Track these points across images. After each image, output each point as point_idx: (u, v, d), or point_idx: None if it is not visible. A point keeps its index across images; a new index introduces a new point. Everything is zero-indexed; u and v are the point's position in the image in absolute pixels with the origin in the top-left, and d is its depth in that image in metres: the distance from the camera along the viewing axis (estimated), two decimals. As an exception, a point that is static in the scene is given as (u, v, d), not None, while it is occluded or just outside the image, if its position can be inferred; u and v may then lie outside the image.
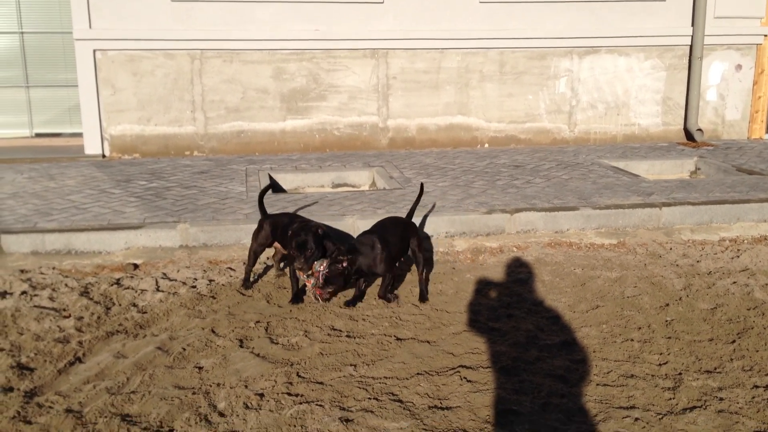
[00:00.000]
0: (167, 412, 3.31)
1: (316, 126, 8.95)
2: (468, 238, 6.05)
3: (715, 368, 3.89)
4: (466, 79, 9.19)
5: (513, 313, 4.55)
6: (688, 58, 9.67)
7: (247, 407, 3.36)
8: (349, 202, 6.46)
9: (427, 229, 6.02)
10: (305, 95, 8.83)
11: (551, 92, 9.48)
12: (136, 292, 4.78)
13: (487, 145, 9.43)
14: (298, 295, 4.67)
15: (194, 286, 4.91)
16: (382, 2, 8.76)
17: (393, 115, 9.11)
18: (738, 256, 5.74)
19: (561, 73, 9.44)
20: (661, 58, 9.65)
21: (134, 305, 4.58)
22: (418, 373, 3.73)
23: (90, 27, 8.17)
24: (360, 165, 8.08)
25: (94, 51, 8.24)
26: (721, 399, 3.55)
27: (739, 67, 9.94)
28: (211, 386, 3.56)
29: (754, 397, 3.58)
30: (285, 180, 7.67)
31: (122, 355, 3.90)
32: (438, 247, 5.87)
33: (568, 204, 6.42)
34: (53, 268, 5.20)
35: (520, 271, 5.35)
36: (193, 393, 3.49)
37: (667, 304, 4.75)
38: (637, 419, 3.34)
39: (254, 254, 4.91)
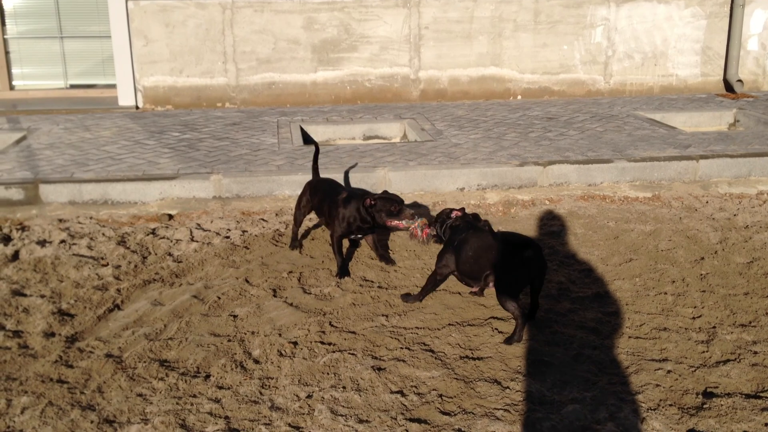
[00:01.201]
0: (204, 358, 3.40)
1: (347, 77, 8.87)
2: (500, 191, 6.01)
3: (750, 322, 3.86)
4: (500, 29, 9.01)
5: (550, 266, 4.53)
6: (729, 5, 9.33)
7: (281, 355, 3.43)
8: (380, 154, 6.44)
9: (459, 182, 5.99)
10: (336, 46, 8.74)
11: (587, 42, 9.26)
12: (171, 241, 4.86)
13: (520, 97, 9.28)
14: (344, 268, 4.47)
15: (228, 237, 4.97)
16: (415, -51, 8.58)
17: (425, 67, 8.99)
18: (777, 210, 5.63)
19: (597, 22, 9.20)
20: (701, 5, 9.33)
21: (170, 254, 4.65)
22: (449, 324, 3.76)
23: (121, -23, 8.15)
24: (391, 117, 8.03)
25: (126, 1, 8.22)
26: (756, 353, 3.53)
27: (783, 15, 9.58)
28: (245, 334, 3.63)
29: (789, 352, 3.55)
30: (316, 132, 7.66)
31: (159, 302, 3.98)
32: (470, 199, 5.84)
33: (602, 156, 6.33)
34: (90, 218, 5.29)
35: (552, 224, 5.32)
36: (229, 340, 3.56)
37: (702, 258, 4.69)
38: (669, 371, 3.34)
39: (299, 212, 4.74)
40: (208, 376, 3.25)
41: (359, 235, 4.46)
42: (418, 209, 5.23)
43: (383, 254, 4.57)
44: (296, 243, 4.80)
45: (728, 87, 9.54)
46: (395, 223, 4.23)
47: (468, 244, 3.74)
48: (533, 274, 3.65)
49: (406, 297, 4.04)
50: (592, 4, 9.11)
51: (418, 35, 8.86)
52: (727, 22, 9.40)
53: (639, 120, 7.84)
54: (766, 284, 4.33)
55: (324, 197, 4.53)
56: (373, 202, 4.22)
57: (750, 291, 4.24)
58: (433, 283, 3.97)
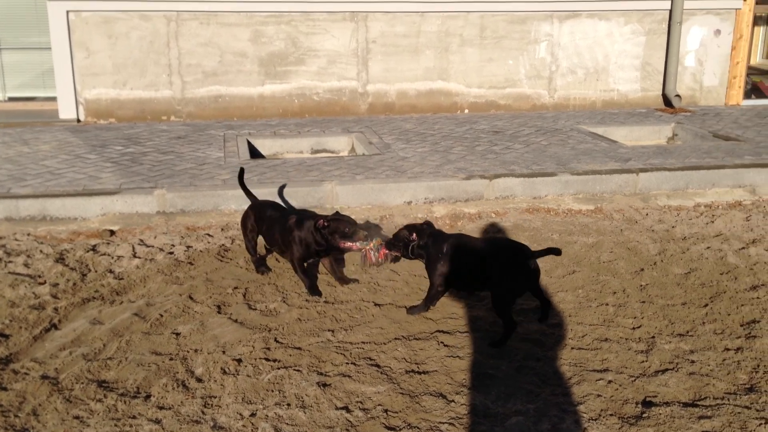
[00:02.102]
0: (144, 377, 3.32)
1: (294, 91, 8.85)
2: (447, 204, 6.06)
3: (688, 332, 3.96)
4: (446, 44, 9.12)
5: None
6: (667, 22, 9.65)
7: (224, 372, 3.37)
8: (327, 168, 6.43)
9: (406, 196, 6.01)
10: (284, 59, 8.71)
11: (531, 57, 9.44)
12: (113, 258, 4.75)
13: (467, 111, 9.40)
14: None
15: (171, 252, 4.88)
16: (362, -36, 8.63)
17: (372, 80, 9.03)
18: (712, 222, 5.81)
19: (541, 38, 9.39)
20: (641, 22, 9.62)
21: (110, 271, 4.55)
22: (395, 338, 3.76)
23: (62, -13, 7.99)
24: (339, 131, 8.03)
25: (68, 12, 8.05)
26: (693, 362, 3.62)
27: (717, 32, 9.94)
28: (188, 352, 3.56)
29: (725, 360, 3.65)
30: (264, 146, 7.60)
31: (98, 321, 3.88)
32: (417, 212, 5.87)
33: (546, 170, 6.44)
34: (28, 235, 5.14)
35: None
36: (171, 359, 3.49)
37: (642, 269, 4.80)
38: (610, 381, 3.40)
39: (250, 243, 4.61)
40: (148, 396, 3.18)
41: (316, 258, 4.38)
42: (370, 228, 5.17)
43: (342, 277, 4.48)
44: (262, 267, 4.62)
45: (667, 102, 9.84)
46: (348, 244, 4.19)
47: (463, 251, 3.82)
48: (532, 281, 3.77)
49: (412, 310, 4.04)
50: (536, 20, 9.30)
51: (366, 49, 8.90)
52: (665, 38, 9.71)
53: (582, 134, 8.02)
54: (703, 294, 4.45)
55: (272, 223, 4.42)
56: (326, 224, 4.16)
57: (687, 301, 4.36)
58: (435, 296, 3.99)
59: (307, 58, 8.77)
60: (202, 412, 3.06)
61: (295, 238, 4.24)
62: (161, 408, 3.09)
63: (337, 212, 4.39)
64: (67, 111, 8.30)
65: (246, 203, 4.84)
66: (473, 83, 9.33)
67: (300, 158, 7.08)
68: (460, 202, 6.10)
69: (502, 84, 9.44)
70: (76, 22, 8.12)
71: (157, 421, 2.99)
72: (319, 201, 5.85)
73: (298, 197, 5.81)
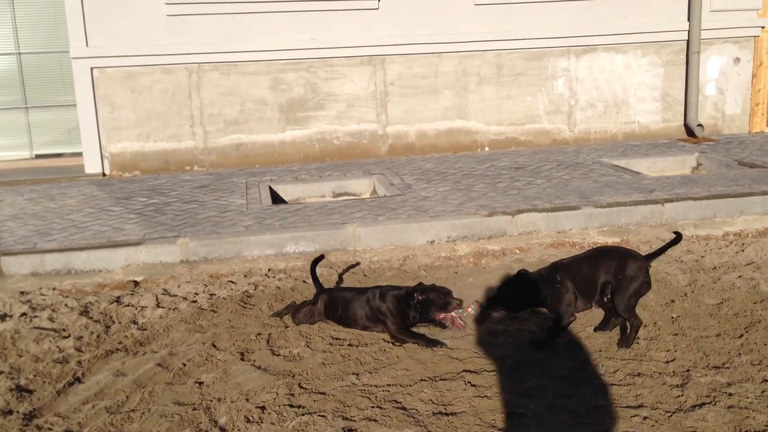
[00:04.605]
0: (167, 429, 3.27)
1: (315, 136, 8.93)
2: (470, 242, 6.01)
3: (723, 363, 3.83)
4: (464, 83, 9.17)
5: (516, 315, 4.50)
6: (685, 53, 9.62)
7: (248, 421, 3.32)
8: (349, 210, 6.43)
9: (429, 235, 5.98)
10: (303, 105, 8.81)
11: (549, 93, 9.44)
12: (136, 309, 4.75)
13: (487, 149, 9.39)
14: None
15: (195, 301, 4.87)
16: (377, 8, 8.75)
17: (392, 122, 9.08)
18: (743, 250, 5.68)
19: (559, 73, 9.41)
20: (658, 54, 9.60)
21: (134, 322, 4.54)
22: (421, 380, 3.69)
23: (87, 45, 8.19)
24: (360, 173, 8.06)
25: (92, 69, 8.26)
26: (731, 394, 3.49)
27: (737, 60, 9.88)
28: (211, 401, 3.52)
29: (764, 391, 3.52)
30: (285, 191, 7.65)
31: (122, 373, 3.86)
32: (440, 252, 5.82)
33: (569, 204, 6.37)
34: (53, 289, 5.17)
35: (523, 273, 5.29)
36: (194, 409, 3.45)
37: (673, 301, 4.69)
38: (645, 418, 3.28)
39: (302, 321, 4.45)
40: (171, 448, 3.13)
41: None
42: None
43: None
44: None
45: (689, 132, 9.75)
46: (444, 315, 4.19)
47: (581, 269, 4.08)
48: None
49: (535, 343, 4.08)
50: (552, 56, 9.33)
51: (384, 91, 8.98)
52: (684, 69, 9.67)
53: (604, 167, 7.95)
54: (737, 325, 4.32)
55: (349, 303, 4.32)
56: (421, 298, 4.16)
57: (721, 332, 4.23)
58: (563, 329, 4.09)
59: (326, 102, 8.86)
60: (226, 463, 3.00)
61: (387, 314, 4.21)
62: (184, 459, 3.04)
63: (420, 283, 4.40)
64: (92, 165, 8.45)
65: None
66: (492, 121, 9.34)
67: (321, 202, 7.10)
68: (483, 240, 6.04)
69: (521, 120, 9.43)
70: (101, 78, 8.31)
71: (181, 473, 2.94)
72: (341, 244, 5.84)
73: (321, 240, 5.80)
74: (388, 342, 4.15)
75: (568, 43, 9.29)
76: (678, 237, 4.20)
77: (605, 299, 4.06)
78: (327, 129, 8.94)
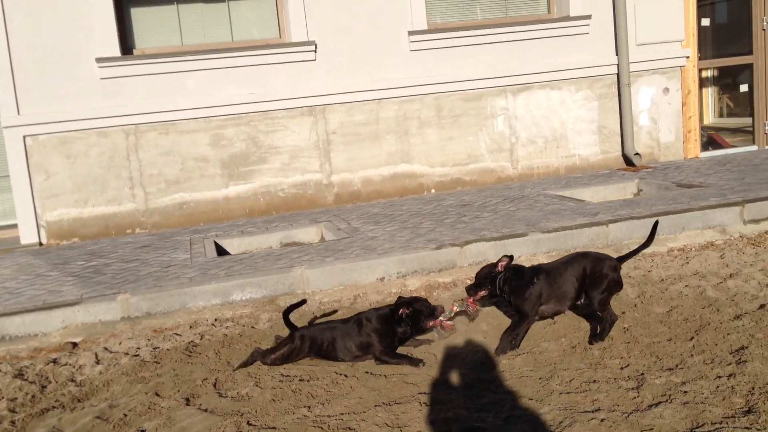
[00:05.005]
0: (106, 477, 3.07)
1: (259, 189, 8.85)
2: (420, 276, 5.94)
3: (677, 365, 3.81)
4: (406, 127, 9.26)
5: (472, 337, 4.42)
6: (617, 86, 9.92)
7: (193, 461, 3.14)
8: (296, 255, 6.32)
9: (378, 272, 5.90)
10: (246, 159, 8.76)
11: (490, 132, 9.59)
12: (74, 367, 4.52)
13: (433, 191, 9.43)
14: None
15: (137, 355, 4.67)
16: (314, 59, 8.84)
17: (336, 170, 9.08)
18: (687, 263, 5.74)
19: (497, 112, 9.58)
20: (591, 88, 9.89)
21: (72, 380, 4.31)
22: (375, 405, 3.56)
23: (18, 113, 8.03)
24: (307, 222, 7.98)
25: (24, 137, 8.08)
26: (686, 392, 3.46)
27: (666, 90, 10.23)
28: (155, 447, 3.33)
29: (718, 387, 3.49)
30: (231, 245, 7.50)
31: (58, 429, 3.63)
32: (391, 288, 5.74)
33: (516, 231, 6.39)
34: (-14, 356, 4.91)
35: (474, 300, 5.24)
36: (135, 456, 3.25)
37: (624, 312, 4.68)
38: (603, 420, 3.21)
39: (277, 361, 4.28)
40: (110, 496, 2.92)
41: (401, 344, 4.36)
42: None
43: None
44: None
45: (627, 161, 9.97)
46: (433, 322, 4.31)
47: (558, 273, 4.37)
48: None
49: (500, 351, 4.13)
50: (490, 95, 9.52)
51: (327, 140, 9.00)
52: (617, 101, 9.95)
53: (549, 197, 8.04)
54: (687, 329, 4.33)
55: (335, 337, 4.23)
56: (408, 311, 4.22)
57: (673, 337, 4.23)
58: (527, 327, 4.27)
59: (269, 155, 8.83)
60: (169, 504, 2.81)
61: (373, 336, 4.18)
62: (124, 505, 2.84)
63: (400, 297, 4.49)
64: (28, 236, 8.18)
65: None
66: (436, 162, 9.41)
67: (268, 250, 6.97)
68: (433, 273, 5.98)
69: (465, 161, 9.53)
70: (33, 147, 8.14)
71: None
72: (289, 287, 5.71)
73: (268, 286, 5.66)
74: (341, 374, 4.02)
75: (504, 83, 9.50)
76: (648, 241, 4.49)
77: (579, 303, 4.34)
78: (271, 182, 8.87)
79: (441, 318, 4.35)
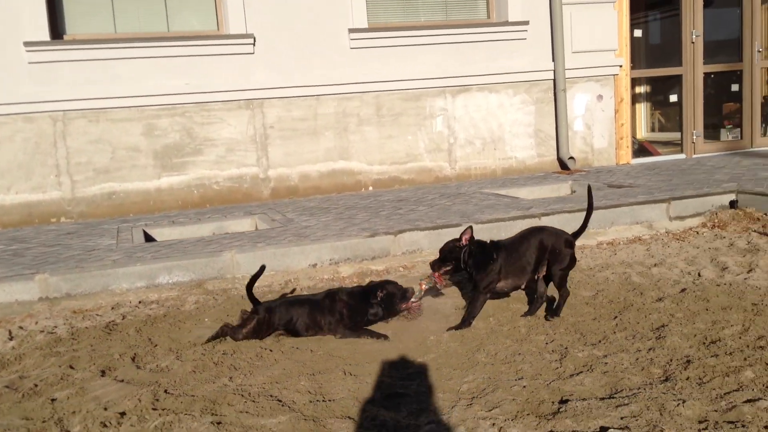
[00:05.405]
0: (10, 442, 2.91)
1: (193, 182, 8.67)
2: (353, 263, 5.90)
3: (600, 341, 3.86)
4: (345, 124, 9.23)
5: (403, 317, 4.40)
6: (553, 91, 10.12)
7: (104, 426, 3.00)
8: (227, 241, 6.20)
9: (310, 258, 5.83)
10: (180, 151, 8.58)
11: (429, 131, 9.65)
12: (-15, 344, 4.30)
13: (371, 188, 9.42)
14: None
15: (53, 333, 4.48)
16: (253, 53, 8.75)
17: (273, 165, 8.97)
18: (615, 254, 5.87)
19: (437, 113, 9.65)
20: (528, 93, 10.06)
21: (-18, 356, 4.10)
22: (299, 375, 3.49)
23: (-61, 95, 7.70)
24: (242, 215, 7.85)
25: (-55, 120, 7.74)
26: (606, 363, 3.50)
27: (600, 97, 10.49)
28: (65, 414, 3.18)
29: (638, 359, 3.55)
30: (161, 234, 7.31)
31: (-38, 400, 3.44)
32: (323, 274, 5.68)
33: (451, 222, 6.41)
34: None
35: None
36: (43, 422, 3.10)
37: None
38: (525, 386, 3.22)
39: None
40: (12, 459, 2.78)
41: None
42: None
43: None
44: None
45: (563, 165, 10.17)
46: (405, 305, 4.26)
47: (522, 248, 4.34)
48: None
49: (457, 328, 4.14)
50: (429, 96, 9.58)
51: (264, 135, 8.89)
52: (553, 106, 10.15)
53: (485, 195, 8.12)
54: (612, 310, 4.40)
55: (304, 311, 4.13)
56: (383, 294, 4.18)
57: (597, 316, 4.29)
58: (482, 304, 4.25)
59: (204, 148, 8.67)
60: (75, 465, 2.68)
61: (344, 312, 4.12)
62: (25, 466, 2.70)
63: (371, 281, 4.48)
64: (-53, 222, 7.82)
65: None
66: (375, 160, 9.41)
67: (199, 237, 6.82)
68: (366, 261, 5.94)
69: (403, 159, 9.56)
70: (-44, 129, 7.80)
71: (19, 479, 2.59)
72: (219, 272, 5.59)
73: (197, 269, 5.53)
74: (266, 348, 3.93)
75: (443, 84, 9.58)
76: (589, 208, 4.65)
77: (536, 277, 4.32)
78: (206, 174, 8.71)
79: (412, 300, 4.27)
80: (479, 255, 4.27)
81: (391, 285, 4.28)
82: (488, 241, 4.43)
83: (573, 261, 4.44)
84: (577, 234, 4.53)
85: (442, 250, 4.43)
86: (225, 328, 4.10)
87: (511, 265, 4.28)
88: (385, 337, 4.05)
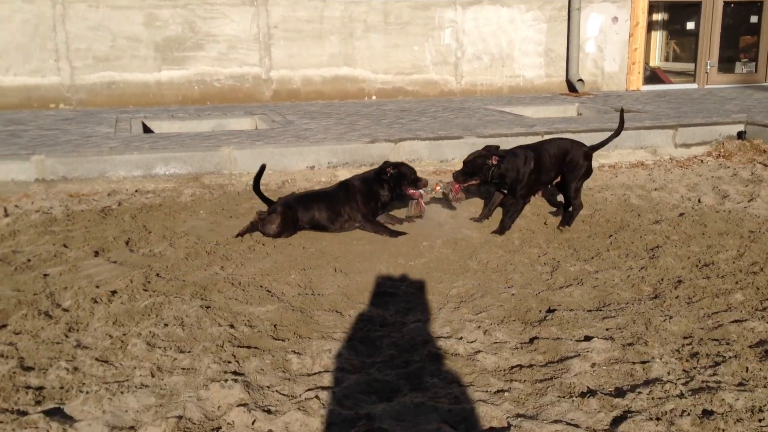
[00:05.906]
0: (1, 310, 2.94)
1: (194, 77, 8.52)
2: (351, 168, 5.85)
3: (592, 257, 3.87)
4: (351, 29, 9.00)
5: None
6: (567, 9, 9.83)
7: (95, 302, 3.03)
8: (226, 137, 6.13)
9: (308, 160, 5.78)
10: (181, 44, 8.38)
11: (437, 43, 9.42)
12: (-20, 219, 4.30)
13: (374, 97, 9.28)
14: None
15: (49, 213, 4.47)
16: (260, -53, 8.44)
17: (276, 66, 8.80)
18: (616, 176, 5.82)
19: (446, 24, 9.40)
20: (541, 9, 9.77)
21: (-24, 230, 4.11)
22: (290, 269, 3.51)
23: (-65, -33, 7.44)
24: (242, 114, 7.74)
25: (-59, -7, 7.51)
26: (597, 278, 3.52)
27: (615, 19, 10.20)
28: (56, 289, 3.20)
29: (629, 276, 3.56)
30: (160, 127, 7.23)
31: (-45, 270, 3.46)
32: (320, 176, 5.64)
33: (452, 134, 6.33)
34: None
35: (403, 192, 5.20)
36: (35, 294, 3.12)
37: (549, 212, 4.72)
38: (513, 294, 3.24)
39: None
40: (3, 326, 2.80)
41: (380, 213, 4.30)
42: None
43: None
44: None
45: (571, 87, 10.00)
46: (413, 191, 4.25)
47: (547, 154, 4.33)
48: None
49: (498, 232, 4.22)
50: (439, 6, 9.31)
51: (268, 34, 8.67)
52: (566, 25, 9.88)
53: (489, 111, 8.00)
54: (607, 228, 4.39)
55: (325, 204, 4.12)
56: (393, 171, 4.18)
57: (592, 234, 4.29)
58: (521, 209, 4.34)
59: (206, 43, 8.47)
60: (65, 336, 2.72)
61: (358, 197, 4.15)
62: (17, 333, 2.73)
63: (386, 161, 4.41)
64: (-57, 100, 7.71)
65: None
66: (380, 69, 9.22)
67: (197, 131, 6.74)
68: (365, 167, 5.89)
69: (409, 70, 9.37)
70: (-47, 5, 7.58)
71: (11, 344, 2.62)
72: (216, 167, 5.55)
73: (194, 162, 5.49)
74: (259, 242, 3.93)
75: (454, -6, 9.30)
76: (618, 129, 4.74)
77: (554, 183, 4.45)
78: (207, 71, 8.54)
79: (422, 191, 4.26)
80: (511, 163, 4.21)
81: (405, 167, 4.29)
82: (519, 149, 4.39)
83: (589, 172, 4.48)
84: (595, 147, 4.57)
85: (467, 163, 4.26)
86: (255, 223, 4.05)
87: (540, 171, 4.31)
88: (403, 233, 4.11)
